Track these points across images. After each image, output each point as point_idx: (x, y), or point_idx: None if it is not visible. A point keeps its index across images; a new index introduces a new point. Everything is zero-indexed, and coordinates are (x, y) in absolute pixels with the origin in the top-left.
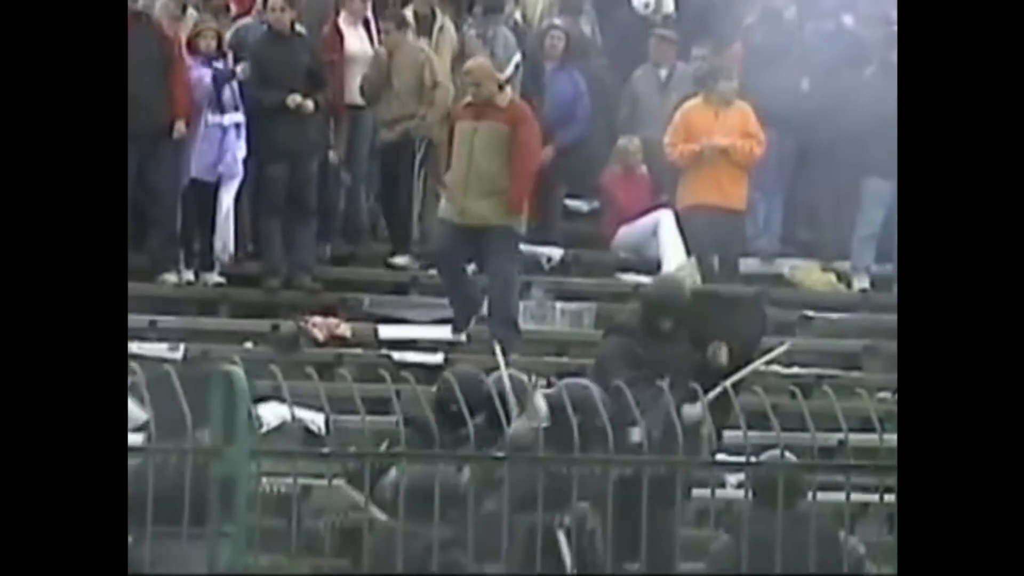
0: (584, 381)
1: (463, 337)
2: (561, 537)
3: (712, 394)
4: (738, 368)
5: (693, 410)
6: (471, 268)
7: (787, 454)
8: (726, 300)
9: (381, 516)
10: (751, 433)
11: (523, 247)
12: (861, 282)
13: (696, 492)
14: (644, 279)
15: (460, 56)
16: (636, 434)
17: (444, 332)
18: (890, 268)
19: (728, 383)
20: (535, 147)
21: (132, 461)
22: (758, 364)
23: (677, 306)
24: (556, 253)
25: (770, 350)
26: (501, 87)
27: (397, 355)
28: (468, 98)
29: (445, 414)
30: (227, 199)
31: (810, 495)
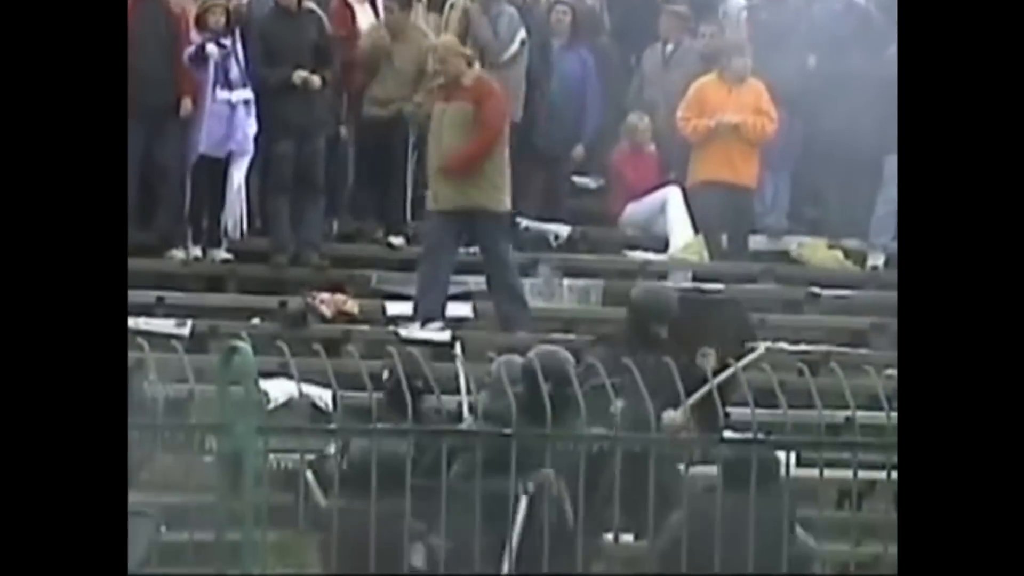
0: (557, 348)
1: (471, 313)
2: (522, 502)
3: (692, 399)
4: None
5: (674, 416)
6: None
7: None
8: (711, 305)
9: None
10: (758, 411)
11: (530, 224)
12: (876, 259)
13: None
14: (652, 256)
15: (464, 33)
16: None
17: (452, 308)
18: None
19: (708, 388)
20: (497, 123)
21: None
22: (737, 367)
23: (664, 314)
24: (564, 230)
25: (752, 350)
26: (470, 64)
27: (404, 332)
28: (439, 79)
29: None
30: (238, 176)
31: (782, 478)
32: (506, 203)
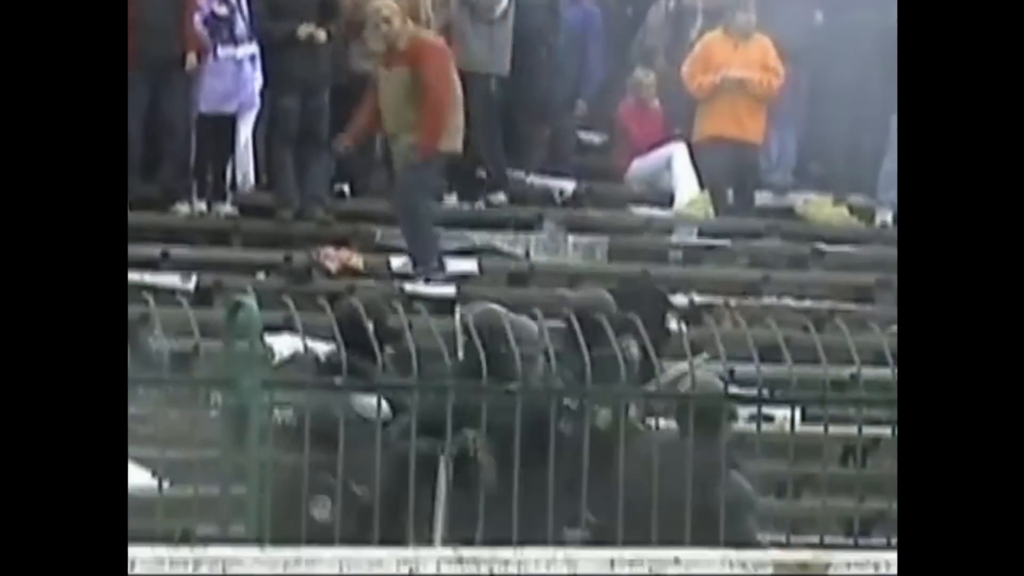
0: (494, 306)
1: (476, 268)
2: (442, 463)
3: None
4: (647, 356)
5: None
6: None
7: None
8: (627, 295)
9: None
10: (763, 367)
11: (535, 180)
12: (883, 215)
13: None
14: (657, 212)
15: None
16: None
17: (457, 264)
18: None
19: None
20: (440, 85)
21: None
22: (683, 367)
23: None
24: (568, 186)
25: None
26: (415, 21)
27: (409, 287)
28: (379, 44)
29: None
30: (243, 131)
31: (732, 426)
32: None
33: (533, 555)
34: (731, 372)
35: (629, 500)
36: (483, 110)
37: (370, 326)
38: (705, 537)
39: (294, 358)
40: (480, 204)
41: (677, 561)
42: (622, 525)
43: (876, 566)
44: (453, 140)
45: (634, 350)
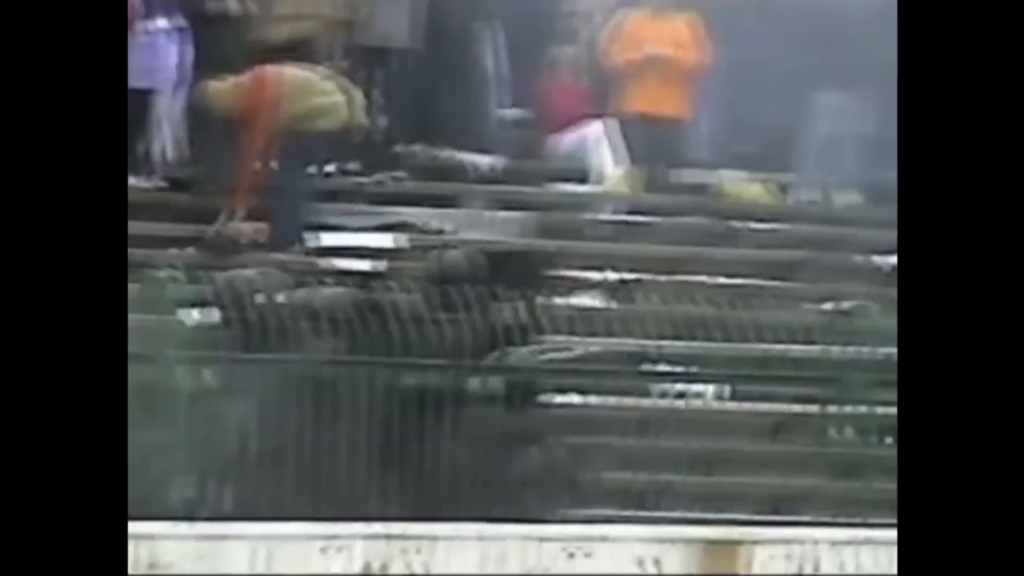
0: (252, 276)
1: (396, 244)
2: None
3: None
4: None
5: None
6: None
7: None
8: (501, 265)
9: None
10: (692, 343)
11: (455, 155)
12: (805, 194)
13: None
14: (579, 188)
15: None
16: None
17: (375, 239)
18: (833, 180)
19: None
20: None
21: None
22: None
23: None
24: (484, 160)
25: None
26: None
27: (326, 262)
28: None
29: None
30: (165, 105)
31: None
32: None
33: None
34: (659, 348)
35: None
36: (397, 85)
37: (249, 300)
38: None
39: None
40: (396, 180)
41: (604, 539)
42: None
43: (802, 542)
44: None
45: (506, 315)
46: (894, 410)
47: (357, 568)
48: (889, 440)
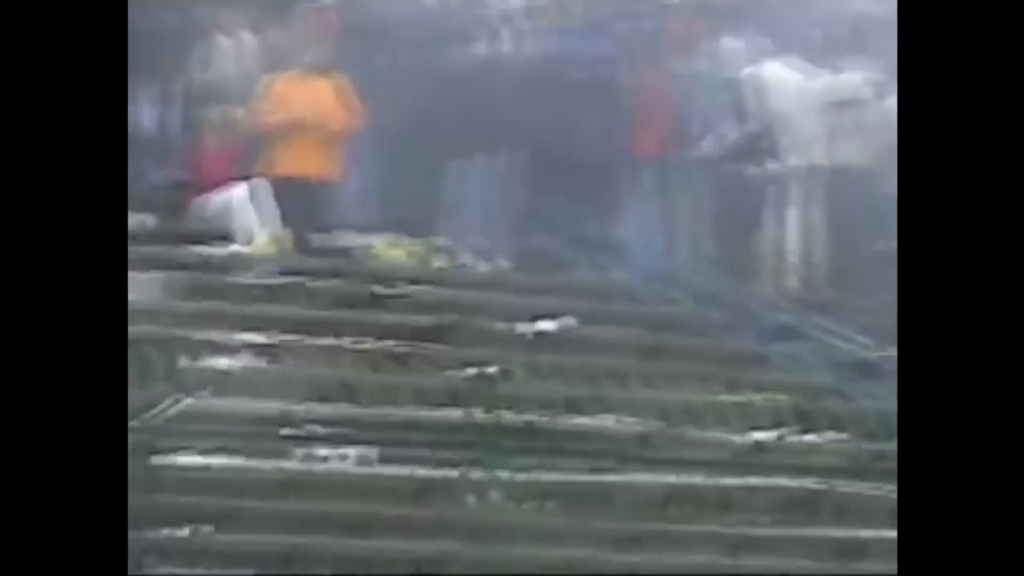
0: None
1: None
2: None
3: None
4: None
5: None
6: None
7: None
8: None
9: None
10: (338, 406)
11: None
12: (452, 258)
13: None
14: (221, 251)
15: None
16: None
17: None
18: (481, 245)
19: None
20: None
21: None
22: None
23: None
24: (134, 221)
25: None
26: None
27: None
28: None
29: None
30: None
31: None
32: None
33: None
34: (304, 411)
35: None
36: None
37: None
38: None
39: None
40: None
41: None
42: None
43: None
44: None
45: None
46: (536, 475)
47: None
48: (528, 506)
